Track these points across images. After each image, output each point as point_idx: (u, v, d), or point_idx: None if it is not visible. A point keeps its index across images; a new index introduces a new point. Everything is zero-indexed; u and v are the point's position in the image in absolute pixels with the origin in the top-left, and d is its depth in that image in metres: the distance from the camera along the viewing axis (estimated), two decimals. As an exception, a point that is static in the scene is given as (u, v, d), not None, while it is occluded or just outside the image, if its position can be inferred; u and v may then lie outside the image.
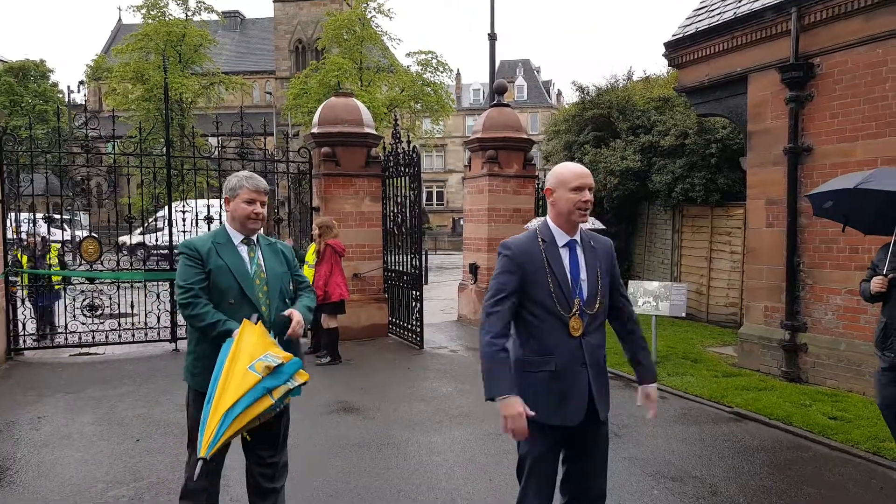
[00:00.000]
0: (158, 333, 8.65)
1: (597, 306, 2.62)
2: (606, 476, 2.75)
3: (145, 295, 8.75)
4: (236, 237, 3.09)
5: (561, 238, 2.64)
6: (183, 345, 8.50)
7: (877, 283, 3.75)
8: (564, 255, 2.62)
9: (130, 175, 9.10)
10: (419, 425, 5.43)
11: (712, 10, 8.04)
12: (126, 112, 30.77)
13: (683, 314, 8.10)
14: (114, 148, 8.72)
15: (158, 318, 8.67)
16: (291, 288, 3.22)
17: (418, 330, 8.81)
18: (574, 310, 2.57)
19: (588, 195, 2.59)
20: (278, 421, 3.01)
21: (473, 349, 8.80)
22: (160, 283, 9.07)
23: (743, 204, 8.50)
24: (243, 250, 3.08)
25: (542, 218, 2.91)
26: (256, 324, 2.85)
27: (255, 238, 3.13)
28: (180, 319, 8.58)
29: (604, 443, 2.72)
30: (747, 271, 7.96)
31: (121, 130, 8.69)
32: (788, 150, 6.92)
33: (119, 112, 28.45)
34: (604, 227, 9.46)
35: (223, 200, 3.16)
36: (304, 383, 2.84)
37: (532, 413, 2.45)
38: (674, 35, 8.36)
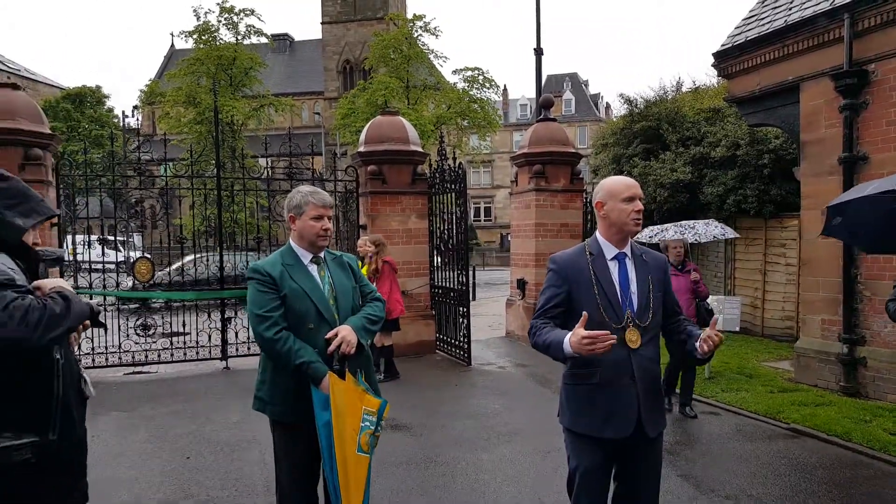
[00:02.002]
0: (209, 352, 8.76)
1: (649, 318, 2.60)
2: (658, 494, 2.71)
3: (196, 314, 8.94)
4: (305, 256, 2.95)
5: (609, 251, 2.65)
6: (234, 363, 8.70)
7: None
8: (613, 267, 2.63)
9: (182, 197, 9.34)
10: (467, 443, 5.43)
11: (762, 19, 7.92)
12: (179, 135, 31.70)
13: (737, 328, 7.91)
14: (166, 170, 9.01)
15: (209, 337, 8.80)
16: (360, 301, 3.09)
17: (466, 346, 8.83)
18: (625, 322, 2.56)
19: (640, 205, 2.60)
20: None
21: (522, 365, 8.79)
22: (211, 301, 9.18)
23: (797, 215, 8.28)
24: (314, 270, 2.94)
25: None
26: (339, 367, 2.78)
27: (322, 255, 3.01)
28: (230, 337, 8.79)
29: (655, 461, 2.67)
30: (803, 284, 7.74)
31: (174, 153, 8.98)
32: (843, 160, 6.74)
33: (172, 135, 29.42)
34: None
35: (287, 219, 2.98)
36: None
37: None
38: (723, 45, 8.26)
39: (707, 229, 8.30)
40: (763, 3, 8.28)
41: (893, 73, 6.35)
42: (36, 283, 2.08)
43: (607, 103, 57.55)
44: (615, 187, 2.63)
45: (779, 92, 7.66)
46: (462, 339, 8.93)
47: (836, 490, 4.34)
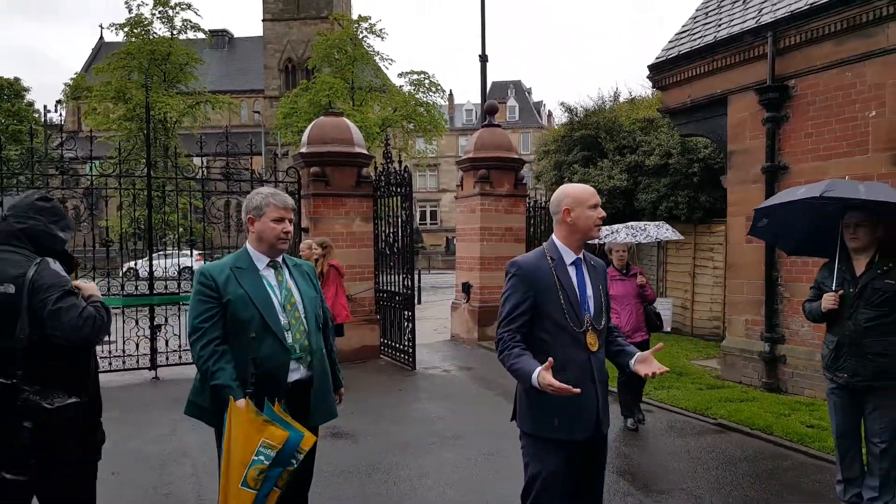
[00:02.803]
0: (137, 361, 8.28)
1: (602, 322, 2.71)
2: (602, 491, 2.84)
3: (123, 321, 8.13)
4: (261, 261, 2.86)
5: (568, 256, 2.72)
6: (164, 372, 8.30)
7: (829, 300, 3.70)
8: (572, 272, 2.70)
9: (109, 197, 8.71)
10: (411, 448, 5.43)
11: (694, 34, 8.31)
12: (107, 132, 30.12)
13: (669, 329, 8.24)
14: (91, 169, 8.49)
15: (137, 346, 8.29)
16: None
17: (410, 351, 8.84)
18: (585, 325, 2.64)
19: (602, 212, 2.72)
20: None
21: (467, 368, 8.90)
22: (139, 308, 8.62)
23: (724, 221, 8.72)
24: (269, 275, 2.86)
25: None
26: (244, 398, 2.64)
27: (280, 259, 2.92)
28: (160, 346, 8.38)
29: (604, 459, 2.82)
30: (729, 286, 8.15)
31: (101, 151, 8.47)
32: (766, 169, 7.15)
33: (99, 132, 27.91)
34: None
35: (246, 220, 2.89)
36: (313, 450, 2.80)
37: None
38: (657, 58, 8.61)
39: (658, 231, 8.54)
40: (695, 19, 8.69)
41: (811, 88, 6.78)
42: (76, 283, 2.60)
43: (549, 111, 58.73)
44: (582, 195, 2.69)
45: (708, 104, 8.04)
46: (407, 343, 8.95)
47: (758, 481, 4.62)
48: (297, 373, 2.86)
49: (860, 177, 5.85)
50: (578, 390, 2.40)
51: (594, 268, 2.80)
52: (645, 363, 2.64)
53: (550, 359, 2.44)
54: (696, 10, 8.84)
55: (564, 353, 2.59)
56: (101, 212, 8.85)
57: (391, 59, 40.23)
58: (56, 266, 2.53)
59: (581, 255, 2.76)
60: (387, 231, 9.57)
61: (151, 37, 31.93)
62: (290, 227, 2.87)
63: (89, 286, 2.66)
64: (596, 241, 6.68)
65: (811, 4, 6.56)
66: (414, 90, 33.48)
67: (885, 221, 3.67)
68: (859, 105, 6.29)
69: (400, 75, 34.64)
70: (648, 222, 6.78)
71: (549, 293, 2.61)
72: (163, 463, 5.09)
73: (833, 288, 3.74)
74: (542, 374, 2.41)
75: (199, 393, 2.84)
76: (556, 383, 2.37)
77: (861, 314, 3.64)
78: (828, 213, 3.89)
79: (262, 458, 2.56)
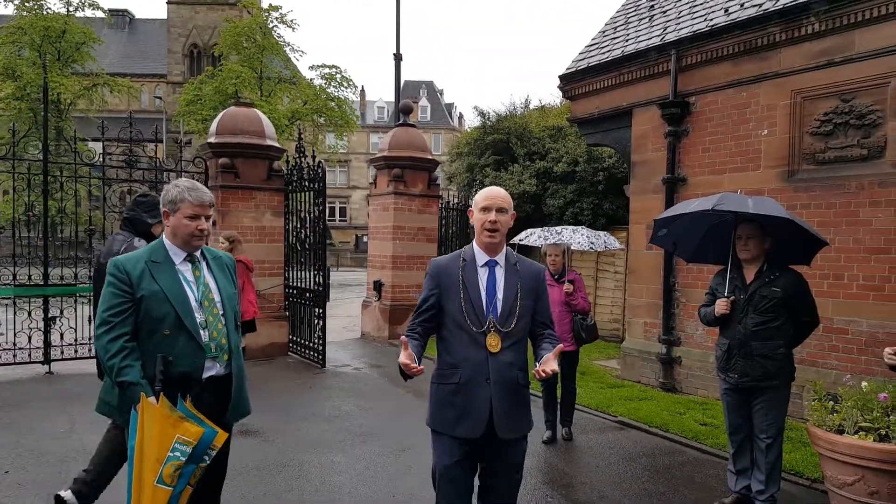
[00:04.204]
0: (29, 355, 7.90)
1: (512, 325, 2.68)
2: (516, 492, 2.81)
3: (14, 312, 7.93)
4: (177, 255, 2.77)
5: (481, 258, 2.75)
6: (59, 367, 7.94)
7: (722, 306, 3.93)
8: (483, 273, 2.73)
9: None
10: (322, 445, 5.41)
11: (602, 48, 8.67)
12: (-7, 111, 28.27)
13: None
14: None
15: (30, 339, 7.90)
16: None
17: (321, 348, 8.73)
18: (486, 326, 2.65)
19: (493, 215, 2.67)
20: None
21: (377, 366, 8.85)
22: (32, 299, 8.17)
23: (626, 228, 9.13)
24: (186, 269, 2.78)
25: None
26: (158, 389, 2.60)
27: (198, 253, 2.84)
28: (54, 339, 7.98)
29: (512, 460, 2.73)
30: (629, 290, 8.56)
31: None
32: (666, 180, 7.57)
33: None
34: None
35: (161, 213, 2.83)
36: (226, 442, 2.77)
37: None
38: (567, 69, 8.90)
39: (574, 236, 7.14)
40: (604, 33, 9.07)
41: (709, 105, 7.24)
42: None
43: (461, 113, 59.54)
44: (477, 197, 2.77)
45: (614, 116, 8.41)
46: (317, 340, 8.82)
47: (657, 475, 4.88)
48: (211, 370, 2.79)
49: (752, 191, 6.32)
50: (420, 368, 2.51)
51: (517, 271, 2.76)
52: (544, 363, 2.60)
53: (404, 338, 2.57)
54: (606, 25, 9.24)
55: (461, 352, 2.66)
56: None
57: (302, 51, 39.62)
58: (139, 243, 3.68)
59: (499, 258, 2.75)
60: (298, 226, 9.37)
61: (45, 12, 29.81)
62: (207, 224, 2.79)
63: None
64: (517, 241, 6.59)
65: (711, 27, 7.02)
66: (325, 84, 32.92)
67: (773, 234, 3.99)
68: (753, 123, 6.79)
69: (311, 68, 33.93)
70: (566, 227, 6.67)
71: (451, 292, 2.69)
72: (62, 461, 4.83)
73: (725, 294, 4.01)
74: (402, 355, 2.54)
75: (110, 390, 2.74)
76: (401, 358, 2.52)
77: (750, 319, 3.93)
78: (722, 223, 4.19)
79: (178, 454, 2.54)
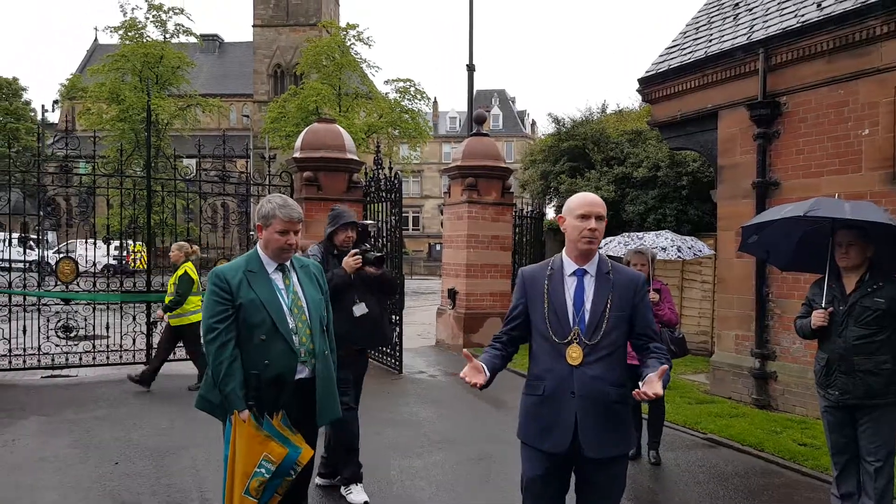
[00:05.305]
0: (133, 356, 8.53)
1: (599, 337, 2.53)
2: None
3: (121, 317, 8.68)
4: (270, 265, 2.95)
5: (569, 267, 2.64)
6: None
7: (818, 317, 3.68)
8: (570, 283, 2.61)
9: (106, 196, 8.98)
10: (400, 450, 5.45)
11: (684, 49, 8.38)
12: (100, 132, 30.62)
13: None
14: (94, 168, 8.62)
15: (134, 341, 8.57)
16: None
17: (398, 354, 8.84)
18: (570, 338, 2.54)
19: (593, 223, 2.54)
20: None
21: (452, 374, 8.85)
22: (136, 304, 8.93)
23: (713, 235, 8.76)
24: (277, 278, 2.94)
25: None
26: (251, 404, 2.80)
27: (288, 263, 3.01)
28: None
29: (607, 484, 2.61)
30: (718, 301, 8.18)
31: (91, 149, 8.62)
32: (757, 185, 7.20)
33: (92, 132, 28.04)
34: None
35: (255, 227, 3.04)
36: (311, 459, 2.93)
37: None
38: (647, 72, 8.67)
39: (658, 241, 7.04)
40: (685, 33, 8.77)
41: (802, 105, 6.85)
42: None
43: (533, 120, 59.19)
44: (571, 203, 2.62)
45: (698, 118, 8.10)
46: (394, 347, 8.92)
47: (752, 497, 4.60)
48: (301, 373, 2.94)
49: (853, 194, 5.93)
50: (479, 381, 2.50)
51: (608, 280, 2.60)
52: (647, 384, 2.43)
53: (465, 352, 2.57)
54: (687, 26, 8.93)
55: (545, 363, 2.59)
56: (93, 210, 9.15)
57: (377, 67, 40.93)
58: (313, 249, 4.30)
59: (589, 267, 2.62)
60: (376, 236, 9.55)
61: (145, 40, 32.25)
62: (296, 239, 2.94)
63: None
64: (613, 253, 6.27)
65: (803, 23, 6.65)
66: (399, 97, 33.74)
67: (876, 241, 3.70)
68: (852, 123, 6.36)
69: (386, 82, 35.01)
70: (647, 232, 6.36)
71: (536, 301, 2.64)
72: (163, 455, 5.20)
73: (823, 305, 3.73)
74: (468, 367, 2.54)
75: (210, 389, 2.90)
76: (463, 371, 2.54)
77: (850, 332, 3.63)
78: (819, 230, 3.91)
79: (263, 470, 2.74)
